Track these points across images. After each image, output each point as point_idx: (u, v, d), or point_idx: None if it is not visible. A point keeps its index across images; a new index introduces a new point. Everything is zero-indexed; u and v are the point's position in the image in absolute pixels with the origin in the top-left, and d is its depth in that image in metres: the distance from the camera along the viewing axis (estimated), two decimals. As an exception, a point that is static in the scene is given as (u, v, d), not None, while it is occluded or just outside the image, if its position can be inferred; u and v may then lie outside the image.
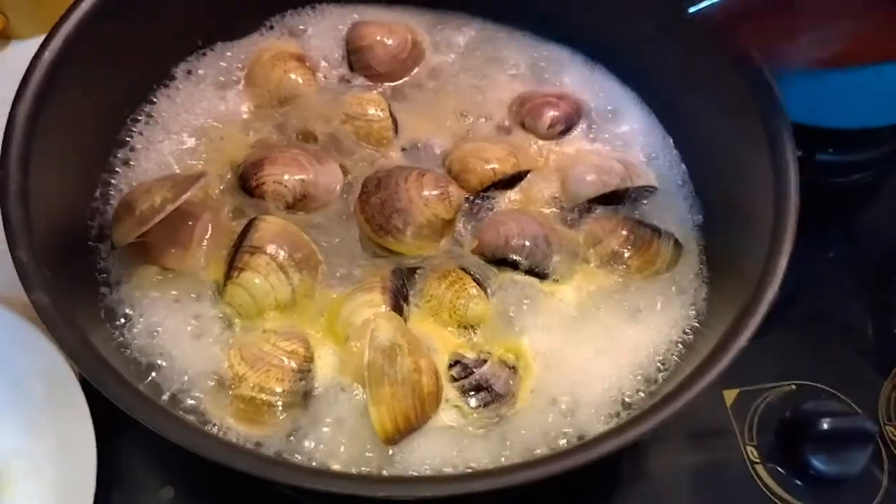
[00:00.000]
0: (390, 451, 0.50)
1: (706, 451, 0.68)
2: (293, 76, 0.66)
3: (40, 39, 0.81)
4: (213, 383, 0.51)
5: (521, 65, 0.72)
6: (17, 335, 0.64)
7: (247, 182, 0.59)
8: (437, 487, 0.44)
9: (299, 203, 0.59)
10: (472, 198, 0.62)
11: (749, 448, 0.69)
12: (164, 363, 0.53)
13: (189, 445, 0.41)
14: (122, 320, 0.54)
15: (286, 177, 0.59)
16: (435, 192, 0.58)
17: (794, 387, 0.72)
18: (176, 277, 0.56)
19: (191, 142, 0.63)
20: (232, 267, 0.55)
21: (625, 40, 0.68)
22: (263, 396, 0.50)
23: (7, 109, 0.78)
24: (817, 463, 0.66)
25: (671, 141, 0.68)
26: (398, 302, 0.55)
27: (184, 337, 0.54)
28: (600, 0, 0.68)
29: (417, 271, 0.58)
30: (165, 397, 0.51)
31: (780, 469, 0.68)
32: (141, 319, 0.54)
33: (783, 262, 0.51)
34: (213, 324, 0.54)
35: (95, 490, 0.58)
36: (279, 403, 0.50)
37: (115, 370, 0.43)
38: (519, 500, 0.63)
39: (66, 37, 0.53)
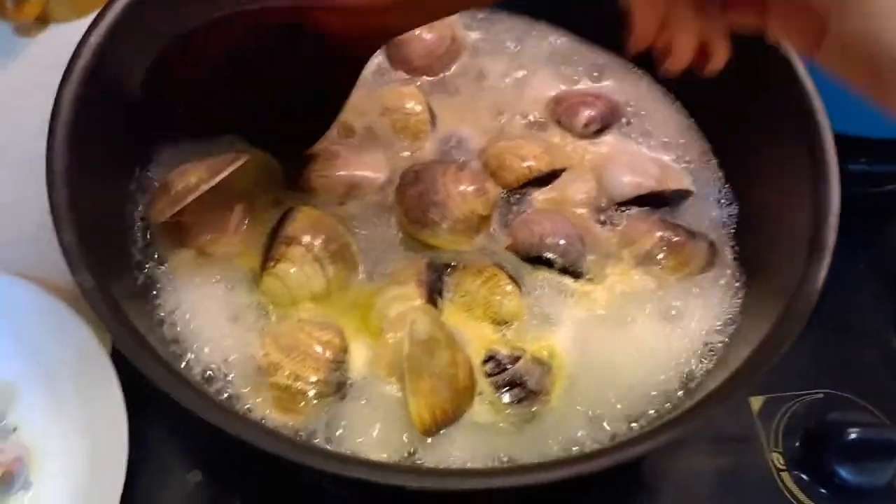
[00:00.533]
0: (426, 442, 0.50)
1: (730, 457, 0.68)
2: None
3: (78, 24, 0.83)
4: (248, 369, 0.51)
5: (559, 65, 0.72)
6: (49, 316, 0.65)
7: (291, 175, 0.60)
8: (467, 481, 0.44)
9: (345, 195, 0.60)
10: (507, 195, 0.62)
11: (774, 455, 0.68)
12: (199, 347, 0.53)
13: (238, 433, 0.41)
14: (159, 302, 0.54)
15: (336, 172, 0.59)
16: (472, 188, 0.58)
17: (821, 395, 0.71)
18: (212, 262, 0.56)
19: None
20: (268, 257, 0.55)
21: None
22: (298, 385, 0.50)
23: (45, 92, 0.80)
24: (843, 473, 0.65)
25: (708, 145, 0.68)
26: (432, 296, 0.55)
27: (219, 322, 0.54)
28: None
29: (451, 266, 0.58)
30: (199, 380, 0.51)
31: (804, 477, 0.67)
32: (177, 303, 0.54)
33: (821, 275, 0.51)
34: (248, 311, 0.55)
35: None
36: (312, 392, 0.51)
37: (158, 354, 0.44)
38: (537, 498, 0.63)
39: (112, 20, 0.53)
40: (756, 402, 0.70)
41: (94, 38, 0.52)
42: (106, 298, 0.44)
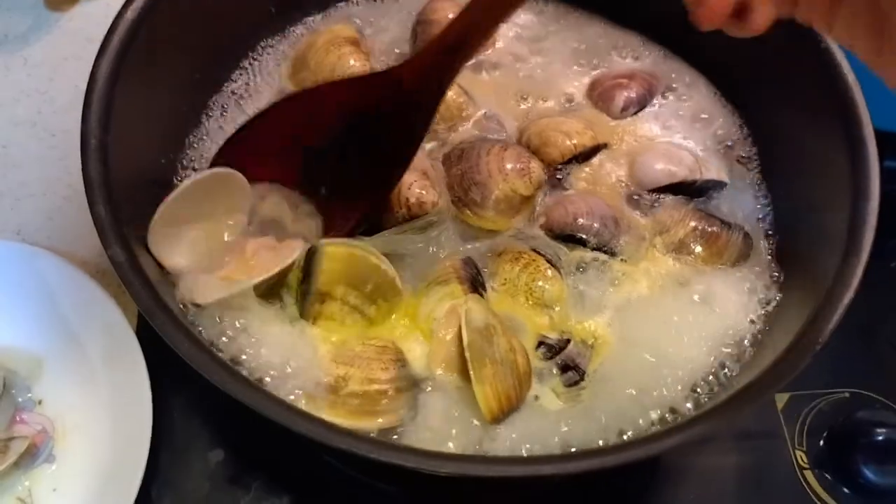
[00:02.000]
0: (493, 430, 0.50)
1: (753, 453, 0.67)
2: (350, 62, 0.65)
3: (108, 0, 0.83)
4: (310, 385, 0.51)
5: (592, 49, 0.71)
6: (76, 290, 0.65)
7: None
8: (527, 468, 0.44)
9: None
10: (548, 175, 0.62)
11: (798, 453, 0.67)
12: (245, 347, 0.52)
13: (276, 417, 0.41)
14: None
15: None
16: (517, 167, 0.57)
17: (846, 395, 0.70)
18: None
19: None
20: (304, 313, 0.54)
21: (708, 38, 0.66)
22: (375, 386, 0.50)
23: (77, 65, 0.81)
24: (868, 473, 0.64)
25: (747, 131, 0.67)
26: (476, 289, 0.55)
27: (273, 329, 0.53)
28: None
29: (483, 255, 0.58)
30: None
31: (828, 476, 0.67)
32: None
33: (857, 275, 0.50)
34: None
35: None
36: (391, 389, 0.50)
37: (186, 329, 0.44)
38: (560, 487, 0.63)
39: (148, -3, 0.53)
40: (781, 400, 0.69)
41: (131, 13, 0.52)
42: (138, 273, 0.44)
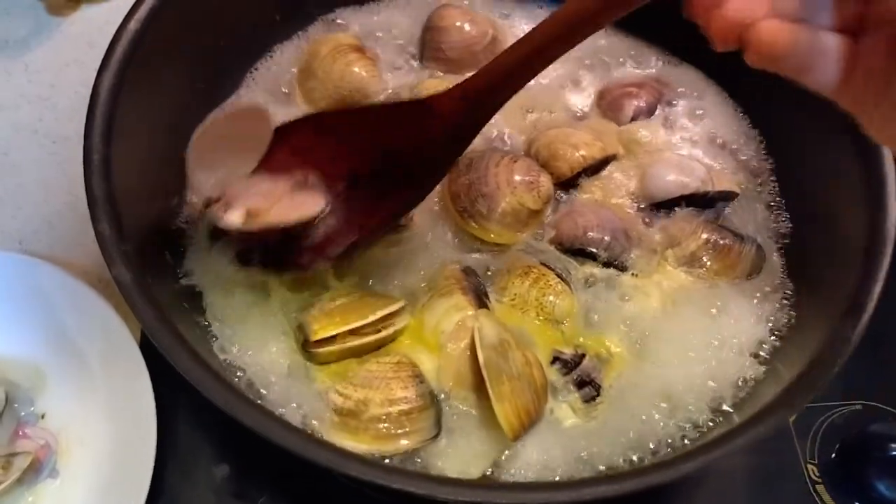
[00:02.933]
0: (512, 447, 0.49)
1: (765, 466, 0.67)
2: (356, 69, 0.64)
3: (110, 5, 0.82)
4: (325, 414, 0.50)
5: (600, 57, 0.70)
6: (78, 302, 0.64)
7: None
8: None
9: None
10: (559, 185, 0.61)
11: (810, 466, 0.67)
12: (248, 369, 0.52)
13: (293, 447, 0.41)
14: (203, 307, 0.53)
15: None
16: (526, 179, 0.57)
17: (859, 407, 0.69)
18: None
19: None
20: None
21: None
22: (397, 408, 0.49)
23: (79, 71, 0.80)
24: (882, 488, 0.64)
25: (758, 140, 0.66)
26: (481, 300, 0.54)
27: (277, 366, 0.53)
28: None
29: (490, 269, 0.57)
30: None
31: (839, 489, 0.66)
32: (221, 319, 0.54)
33: (878, 289, 0.49)
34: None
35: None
36: (413, 409, 0.49)
37: (195, 351, 0.43)
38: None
39: (151, 7, 0.52)
40: (792, 411, 0.69)
41: (134, 24, 0.51)
42: (143, 294, 0.43)
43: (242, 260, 0.53)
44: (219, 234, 0.51)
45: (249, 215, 0.50)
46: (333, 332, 0.51)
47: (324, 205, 0.51)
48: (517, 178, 0.57)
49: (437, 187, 0.56)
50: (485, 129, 0.61)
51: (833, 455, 0.67)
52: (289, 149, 0.52)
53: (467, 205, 0.57)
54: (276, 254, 0.52)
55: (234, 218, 0.49)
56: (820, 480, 0.66)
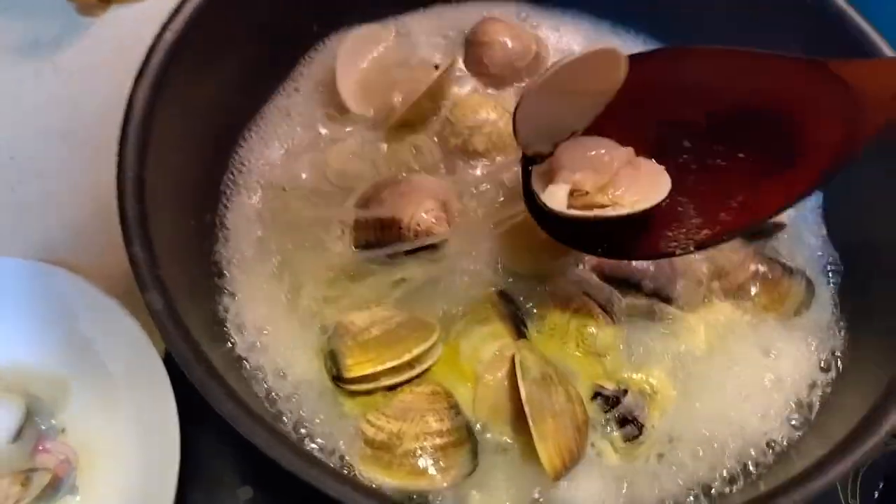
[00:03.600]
0: (553, 487, 0.48)
1: (805, 505, 0.64)
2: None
3: (141, 6, 0.81)
4: (356, 448, 0.48)
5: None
6: (101, 314, 0.63)
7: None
8: None
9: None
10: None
11: (851, 505, 0.64)
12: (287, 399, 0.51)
13: (330, 491, 0.39)
14: (238, 336, 0.52)
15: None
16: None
17: (902, 444, 0.67)
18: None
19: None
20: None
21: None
22: (433, 441, 0.47)
23: (109, 73, 0.78)
24: (927, 531, 0.61)
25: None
26: (519, 328, 0.52)
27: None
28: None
29: (528, 296, 0.55)
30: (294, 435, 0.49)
31: (883, 531, 0.63)
32: (260, 348, 0.52)
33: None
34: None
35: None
36: (449, 444, 0.47)
37: (226, 384, 0.41)
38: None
39: (187, 18, 0.50)
40: (833, 448, 0.66)
41: (170, 35, 0.49)
42: (176, 323, 0.41)
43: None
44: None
45: (575, 193, 0.45)
46: (369, 371, 0.49)
47: (669, 184, 0.44)
48: None
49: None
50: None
51: (876, 495, 0.65)
52: (632, 99, 0.44)
53: None
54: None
55: (557, 195, 0.44)
56: (862, 521, 0.64)
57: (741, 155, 0.45)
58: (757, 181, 0.44)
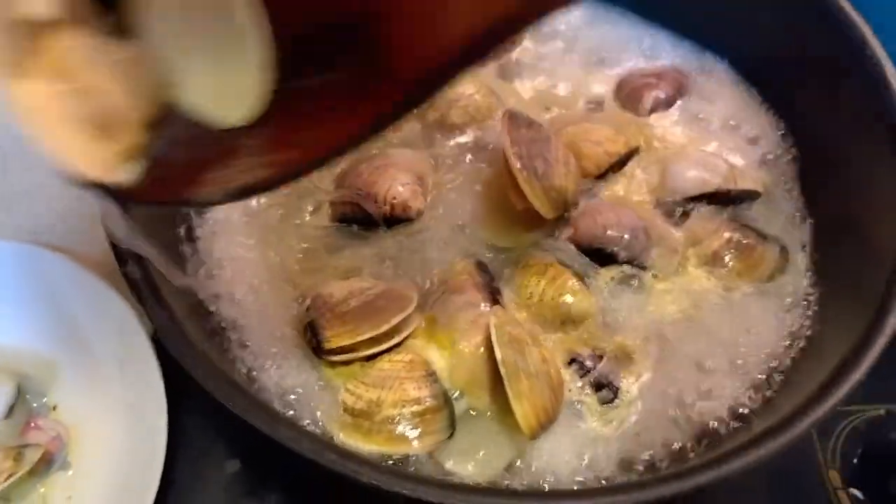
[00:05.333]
0: (529, 447, 0.49)
1: (785, 473, 0.65)
2: None
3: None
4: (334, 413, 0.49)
5: (618, 45, 0.68)
6: (89, 294, 0.64)
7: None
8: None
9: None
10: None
11: (831, 472, 0.65)
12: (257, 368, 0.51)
13: (312, 456, 0.41)
14: (215, 306, 0.53)
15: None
16: (574, 168, 0.56)
17: (882, 412, 0.68)
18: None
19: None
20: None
21: (742, 29, 0.64)
22: (411, 408, 0.48)
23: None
24: (907, 497, 0.62)
25: (783, 136, 0.64)
26: (494, 297, 0.53)
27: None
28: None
29: (504, 266, 0.56)
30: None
31: (862, 497, 0.64)
32: (238, 318, 0.53)
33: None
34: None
35: (162, 456, 0.57)
36: (427, 410, 0.48)
37: (204, 353, 0.42)
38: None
39: None
40: (813, 415, 0.67)
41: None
42: (154, 293, 0.42)
43: None
44: None
45: None
46: (348, 342, 0.50)
47: None
48: (573, 161, 0.55)
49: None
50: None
51: (856, 461, 0.65)
52: None
53: (525, 155, 0.53)
54: None
55: None
56: (842, 487, 0.64)
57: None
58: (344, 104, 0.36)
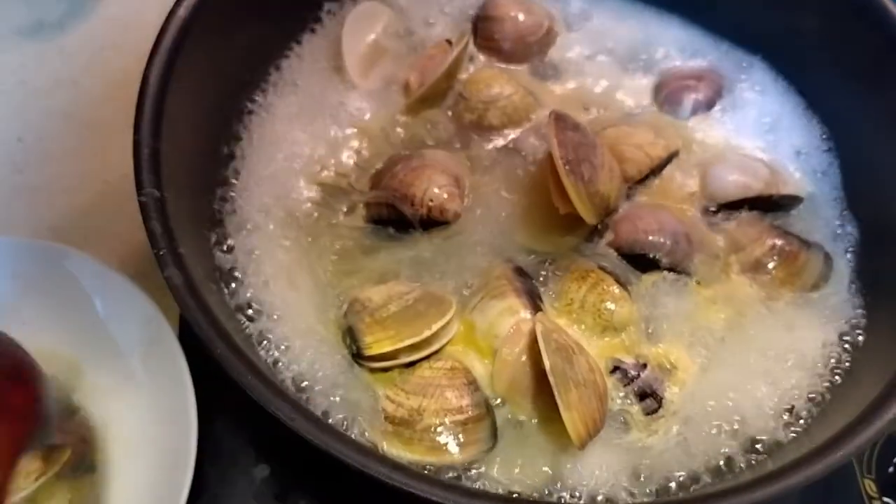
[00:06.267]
0: (574, 457, 0.48)
1: (820, 482, 0.64)
2: None
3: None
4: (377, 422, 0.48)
5: (655, 46, 0.67)
6: (114, 293, 0.62)
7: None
8: None
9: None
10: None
11: (866, 481, 0.64)
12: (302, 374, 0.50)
13: (355, 463, 0.40)
14: (254, 311, 0.51)
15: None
16: (618, 174, 0.55)
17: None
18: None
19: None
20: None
21: (783, 29, 0.62)
22: (453, 417, 0.47)
23: (114, 54, 0.77)
24: (943, 506, 0.61)
25: (826, 139, 0.63)
26: (535, 303, 0.52)
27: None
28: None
29: (544, 271, 0.55)
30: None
31: (899, 506, 0.63)
32: (277, 323, 0.52)
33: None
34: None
35: (192, 460, 0.56)
36: (469, 420, 0.47)
37: (248, 359, 0.41)
38: None
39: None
40: (848, 423, 0.66)
41: (183, 11, 0.48)
42: (196, 298, 0.41)
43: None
44: None
45: None
46: (389, 349, 0.49)
47: None
48: (616, 167, 0.55)
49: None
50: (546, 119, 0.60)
51: (891, 469, 0.65)
52: None
53: (573, 159, 0.51)
54: None
55: None
56: (877, 496, 0.64)
57: None
58: None
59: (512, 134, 0.60)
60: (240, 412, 0.61)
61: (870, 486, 0.64)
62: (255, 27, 0.57)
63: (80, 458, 0.60)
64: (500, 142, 0.60)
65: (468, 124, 0.60)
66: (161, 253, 0.41)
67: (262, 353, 0.49)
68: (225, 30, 0.53)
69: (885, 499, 0.63)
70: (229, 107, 0.56)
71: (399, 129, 0.60)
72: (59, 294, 0.63)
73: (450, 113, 0.60)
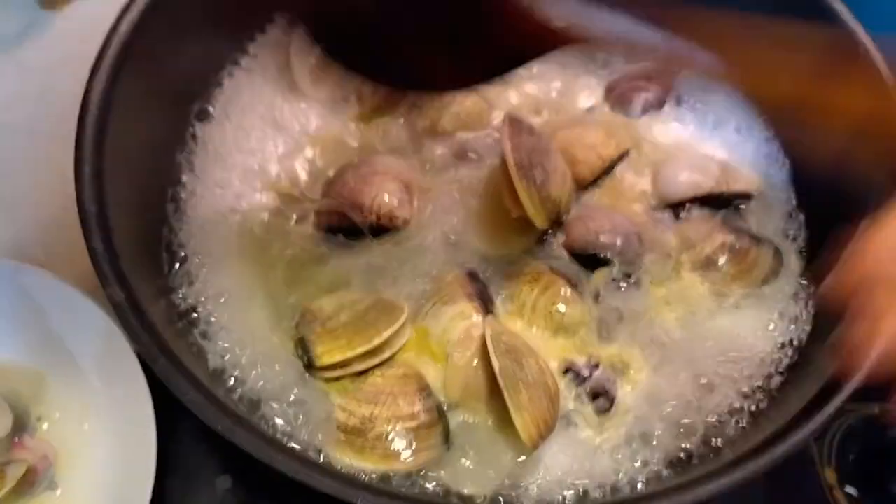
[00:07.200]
0: (526, 458, 0.48)
1: (781, 472, 0.64)
2: None
3: (103, -1, 0.80)
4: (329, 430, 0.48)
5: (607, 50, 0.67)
6: (73, 310, 0.62)
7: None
8: None
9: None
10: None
11: (827, 471, 0.65)
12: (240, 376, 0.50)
13: (290, 472, 0.40)
14: (202, 328, 0.52)
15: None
16: (570, 180, 0.55)
17: (877, 410, 0.68)
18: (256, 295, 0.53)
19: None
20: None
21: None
22: (404, 424, 0.47)
23: (75, 68, 0.77)
24: (904, 497, 0.62)
25: (774, 137, 0.63)
26: (487, 307, 0.53)
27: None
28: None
29: (496, 275, 0.55)
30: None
31: (859, 496, 0.64)
32: (220, 332, 0.52)
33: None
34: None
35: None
36: (421, 426, 0.48)
37: (191, 374, 0.41)
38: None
39: (142, 9, 0.50)
40: (808, 415, 0.67)
41: (125, 27, 0.48)
42: (138, 315, 0.41)
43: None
44: None
45: None
46: (340, 359, 0.49)
47: None
48: (569, 172, 0.55)
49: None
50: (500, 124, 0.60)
51: (851, 458, 0.65)
52: None
53: (526, 163, 0.52)
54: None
55: None
56: (837, 486, 0.64)
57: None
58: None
59: (465, 138, 0.60)
60: (202, 425, 0.61)
61: (830, 476, 0.65)
62: (203, 38, 0.57)
63: (41, 475, 0.60)
64: (452, 146, 0.60)
65: (422, 130, 0.60)
66: (102, 270, 0.41)
67: (213, 366, 0.49)
68: (171, 42, 0.53)
69: (846, 488, 0.64)
70: (178, 119, 0.56)
71: (351, 138, 0.60)
72: (19, 311, 0.63)
73: (402, 120, 0.61)
